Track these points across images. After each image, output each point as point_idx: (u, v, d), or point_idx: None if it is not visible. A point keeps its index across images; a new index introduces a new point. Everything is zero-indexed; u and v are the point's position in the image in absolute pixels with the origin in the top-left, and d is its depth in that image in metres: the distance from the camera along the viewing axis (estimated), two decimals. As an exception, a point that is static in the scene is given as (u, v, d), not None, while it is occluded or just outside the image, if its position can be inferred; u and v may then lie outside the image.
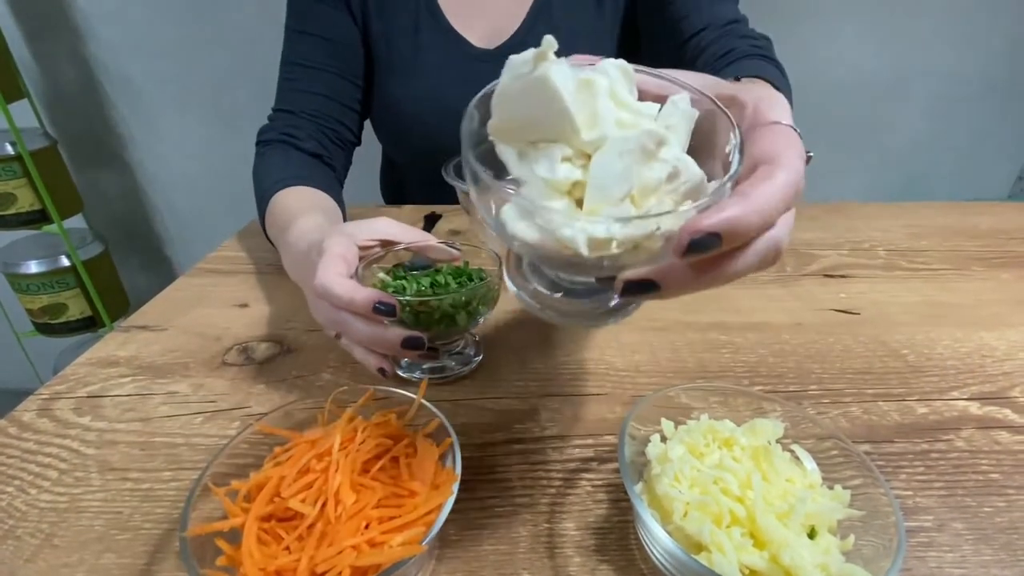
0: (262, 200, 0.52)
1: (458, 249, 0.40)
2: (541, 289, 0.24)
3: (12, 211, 1.12)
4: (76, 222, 1.25)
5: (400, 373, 0.38)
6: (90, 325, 1.30)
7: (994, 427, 0.34)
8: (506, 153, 0.21)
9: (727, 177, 0.19)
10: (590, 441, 0.33)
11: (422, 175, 0.72)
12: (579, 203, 0.20)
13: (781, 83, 0.46)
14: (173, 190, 1.37)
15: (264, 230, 0.53)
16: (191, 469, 0.31)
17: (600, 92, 0.20)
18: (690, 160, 0.21)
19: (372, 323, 0.31)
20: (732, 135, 0.21)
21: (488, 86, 0.22)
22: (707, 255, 0.18)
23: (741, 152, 0.20)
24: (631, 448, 0.26)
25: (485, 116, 0.22)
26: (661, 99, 0.22)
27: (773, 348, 0.41)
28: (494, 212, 0.20)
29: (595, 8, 0.62)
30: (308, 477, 0.22)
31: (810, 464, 0.26)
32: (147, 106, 1.26)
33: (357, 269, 0.34)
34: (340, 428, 0.24)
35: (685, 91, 0.22)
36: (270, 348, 0.42)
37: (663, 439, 0.27)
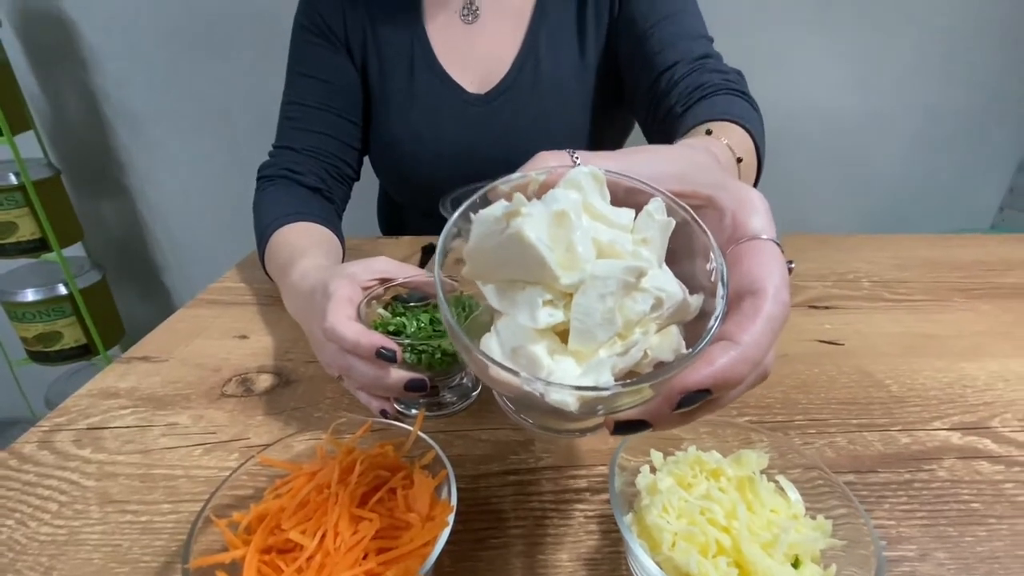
0: (262, 236, 0.54)
1: (456, 281, 0.41)
2: (513, 409, 0.25)
3: (12, 240, 1.13)
4: (75, 250, 1.26)
5: (399, 408, 0.39)
6: (84, 353, 1.30)
7: (975, 457, 0.35)
8: (486, 289, 0.21)
9: (712, 322, 0.19)
10: (583, 472, 0.33)
11: (419, 207, 0.74)
12: (562, 336, 0.20)
13: (752, 119, 0.48)
14: (172, 219, 1.39)
15: (263, 264, 0.54)
16: (190, 501, 0.31)
17: (574, 224, 0.19)
18: (670, 280, 0.21)
19: (376, 367, 0.33)
20: (712, 255, 0.21)
21: (452, 218, 0.21)
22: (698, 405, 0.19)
23: (725, 284, 0.20)
24: (621, 479, 0.27)
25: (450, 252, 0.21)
26: (634, 196, 0.22)
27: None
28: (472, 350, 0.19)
29: (578, 50, 0.64)
30: (307, 509, 0.23)
31: (794, 495, 0.27)
32: (149, 136, 1.29)
33: (359, 308, 0.36)
34: (339, 461, 0.25)
35: (659, 197, 0.22)
36: (269, 380, 0.43)
37: (652, 470, 0.28)
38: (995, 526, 0.30)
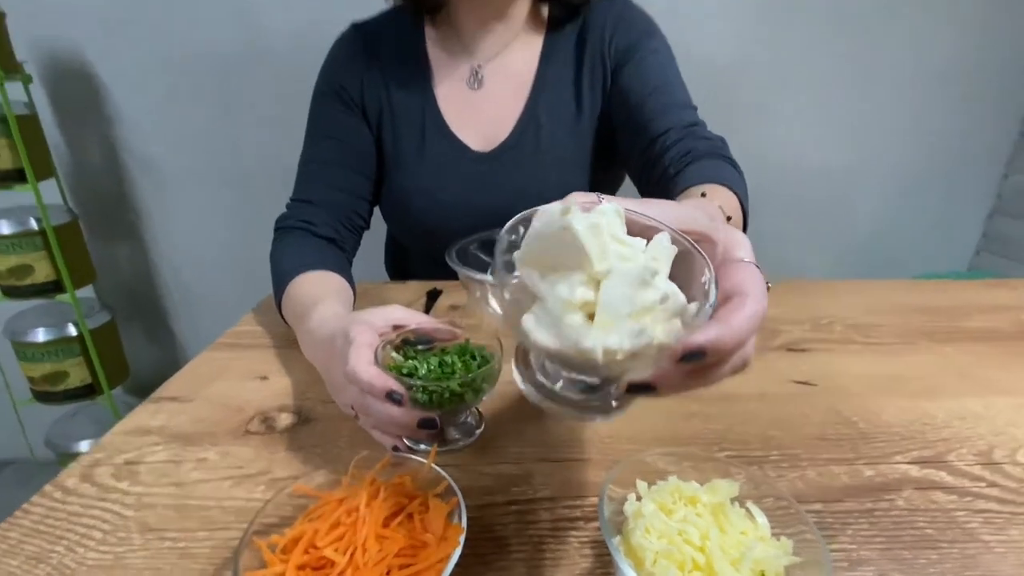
0: (280, 284, 0.59)
1: (460, 328, 0.46)
2: (544, 382, 0.29)
3: (28, 282, 1.18)
4: (85, 290, 1.30)
5: (409, 444, 0.42)
6: (89, 393, 1.32)
7: (931, 488, 0.38)
8: (530, 275, 0.26)
9: (707, 304, 0.25)
10: (577, 502, 0.37)
11: (425, 254, 0.79)
12: (589, 317, 0.25)
13: (737, 182, 0.54)
14: (182, 264, 1.44)
15: (280, 311, 0.59)
16: (223, 529, 0.34)
17: (605, 232, 0.25)
18: (675, 287, 0.26)
19: (391, 407, 0.36)
20: (707, 271, 0.26)
21: (512, 220, 0.28)
22: (694, 365, 0.23)
23: (716, 285, 0.26)
24: (611, 507, 0.31)
25: (511, 243, 0.28)
26: (646, 232, 0.28)
27: (739, 417, 0.46)
28: (516, 319, 0.26)
29: (575, 115, 0.71)
30: (339, 530, 0.27)
31: (761, 519, 0.30)
32: (165, 184, 1.36)
33: (376, 352, 0.40)
34: (365, 488, 0.29)
35: (665, 231, 0.27)
36: (289, 418, 0.46)
37: (638, 498, 0.32)
38: (946, 550, 0.33)
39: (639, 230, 0.28)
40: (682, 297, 0.26)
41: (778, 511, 0.31)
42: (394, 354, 0.43)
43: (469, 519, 0.29)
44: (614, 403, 0.28)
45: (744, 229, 0.52)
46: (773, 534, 0.30)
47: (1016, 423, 0.46)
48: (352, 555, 0.25)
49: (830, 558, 0.27)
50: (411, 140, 0.70)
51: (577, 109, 0.71)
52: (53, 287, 1.20)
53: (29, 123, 1.13)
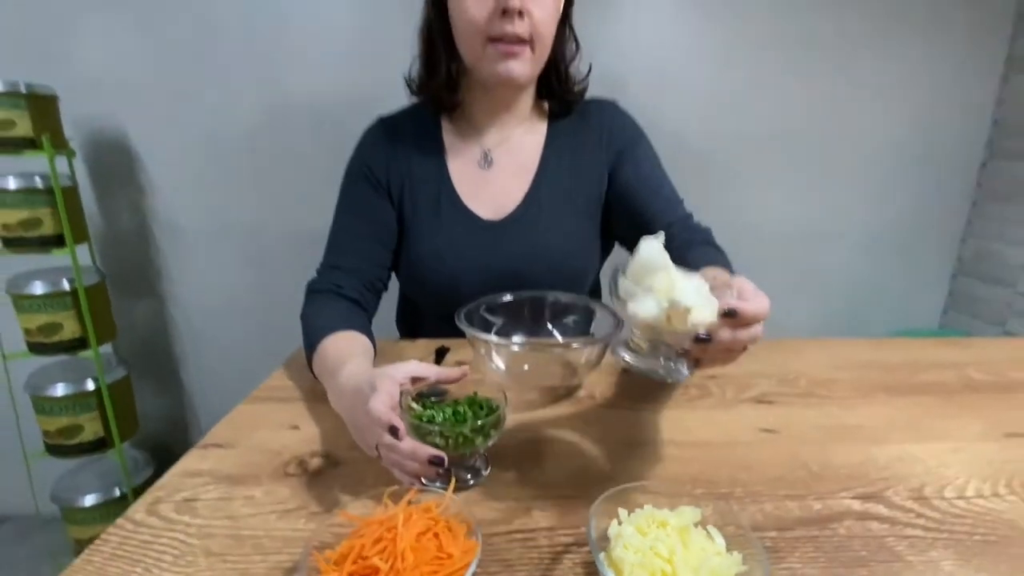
0: (311, 342, 0.67)
1: (467, 365, 0.54)
2: (639, 354, 0.46)
3: (56, 339, 1.25)
4: (103, 346, 1.37)
5: (426, 484, 0.49)
6: (100, 447, 1.36)
7: (868, 519, 0.46)
8: (628, 287, 0.43)
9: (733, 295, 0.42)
10: (571, 531, 0.44)
11: (435, 312, 0.88)
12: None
13: (728, 265, 0.71)
14: (198, 322, 1.52)
15: (310, 366, 0.67)
16: (275, 553, 0.41)
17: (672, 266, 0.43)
18: (713, 298, 0.41)
19: (403, 443, 0.44)
20: (730, 292, 0.42)
21: (622, 266, 0.45)
22: (729, 322, 0.39)
23: (735, 289, 0.43)
24: (598, 530, 0.38)
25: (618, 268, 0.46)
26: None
27: (711, 461, 0.54)
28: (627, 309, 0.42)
29: (573, 194, 0.83)
30: (381, 544, 0.33)
31: (719, 540, 0.38)
32: (188, 247, 1.46)
33: (401, 401, 0.48)
34: (401, 510, 0.36)
35: (701, 275, 0.43)
36: (320, 462, 0.53)
37: (619, 522, 0.39)
38: (876, 568, 0.40)
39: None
40: (715, 300, 0.41)
41: (735, 535, 0.38)
42: (414, 404, 0.51)
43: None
44: (682, 368, 0.44)
45: None
46: (728, 551, 0.37)
47: (947, 464, 0.53)
48: (393, 563, 0.32)
49: (769, 569, 0.34)
50: (428, 211, 0.81)
51: (575, 190, 0.83)
52: (79, 344, 1.27)
53: (70, 193, 1.24)
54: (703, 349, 0.41)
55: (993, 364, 0.78)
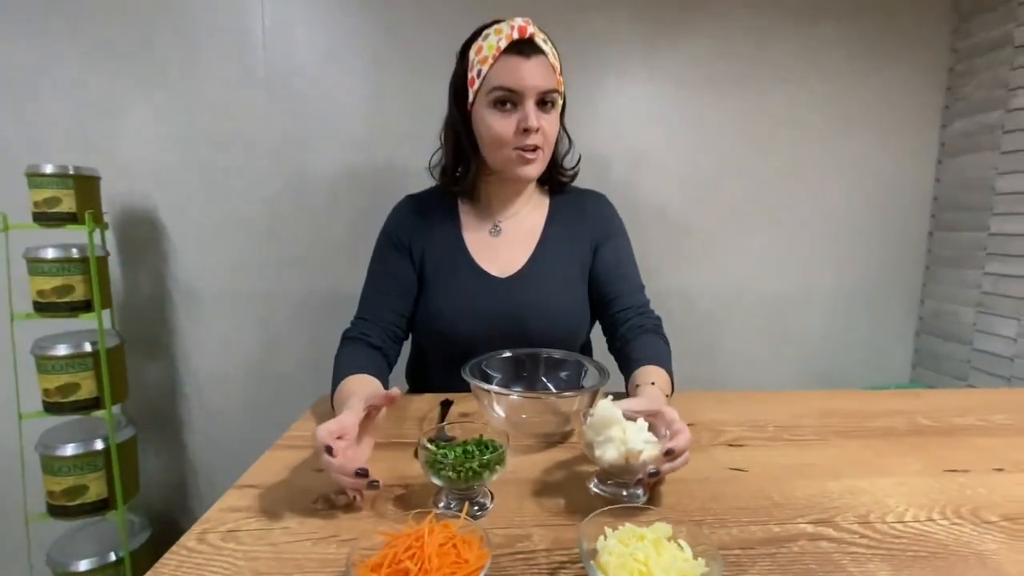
0: (336, 381, 0.80)
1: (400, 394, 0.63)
2: (608, 487, 0.61)
3: (72, 399, 1.31)
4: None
5: (442, 511, 0.56)
6: (102, 508, 1.38)
7: (819, 539, 0.53)
8: (591, 433, 0.59)
9: (666, 437, 0.58)
10: (566, 551, 0.51)
11: (445, 364, 0.97)
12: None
13: (668, 359, 0.88)
14: (207, 384, 1.58)
15: (332, 399, 0.80)
16: (313, 572, 0.48)
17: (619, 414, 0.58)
18: (653, 436, 0.58)
19: (337, 460, 0.56)
20: (663, 429, 0.59)
21: (588, 411, 0.61)
22: (669, 458, 0.55)
23: (668, 435, 0.59)
24: (588, 545, 0.46)
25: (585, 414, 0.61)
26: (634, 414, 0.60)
27: (686, 494, 0.62)
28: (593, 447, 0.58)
29: (569, 260, 0.98)
30: (411, 550, 0.41)
31: (688, 550, 0.45)
32: (203, 312, 1.55)
33: (419, 446, 0.57)
34: (427, 524, 0.44)
35: (641, 416, 0.60)
36: (344, 499, 0.60)
37: (605, 537, 0.47)
38: (823, 578, 0.48)
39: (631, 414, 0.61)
40: (655, 439, 0.58)
41: (705, 551, 0.46)
42: (429, 445, 0.59)
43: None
44: (638, 492, 0.60)
45: (672, 391, 0.86)
46: (694, 559, 0.45)
47: (892, 495, 0.62)
48: (422, 565, 0.40)
49: (722, 571, 0.42)
50: (445, 271, 0.95)
51: (570, 257, 0.98)
52: (93, 404, 1.33)
53: (102, 262, 1.34)
54: (652, 478, 0.57)
55: (940, 412, 0.88)
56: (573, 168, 1.02)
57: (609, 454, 0.56)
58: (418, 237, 0.96)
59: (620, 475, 0.59)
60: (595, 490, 0.61)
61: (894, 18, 1.59)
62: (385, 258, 0.96)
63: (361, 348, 0.88)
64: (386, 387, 0.80)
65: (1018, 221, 1.42)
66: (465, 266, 0.95)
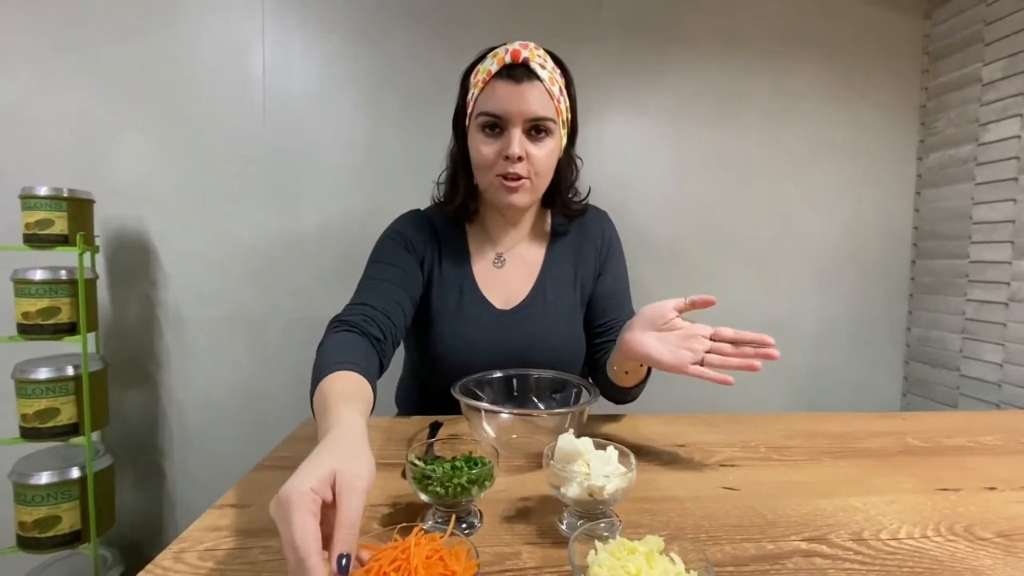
0: (318, 375, 0.66)
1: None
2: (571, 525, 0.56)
3: (51, 424, 1.27)
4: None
5: (431, 528, 0.55)
6: (74, 540, 1.32)
7: (813, 556, 0.52)
8: (558, 471, 0.55)
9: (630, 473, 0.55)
10: (555, 568, 0.50)
11: (438, 386, 0.96)
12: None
13: None
14: (191, 412, 1.55)
15: (311, 396, 0.66)
16: (293, 589, 0.46)
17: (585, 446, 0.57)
18: (620, 466, 0.56)
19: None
20: (631, 460, 0.58)
21: (551, 445, 0.59)
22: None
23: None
24: (579, 558, 0.45)
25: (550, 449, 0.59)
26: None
27: (679, 512, 0.61)
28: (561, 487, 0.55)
29: (570, 291, 0.99)
30: (397, 563, 0.40)
31: (679, 563, 0.44)
32: (190, 338, 1.53)
33: (407, 464, 0.55)
34: (413, 536, 0.42)
35: (611, 447, 0.59)
36: (329, 518, 0.58)
37: (596, 551, 0.46)
38: (817, 594, 0.47)
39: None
40: (621, 468, 0.56)
41: (697, 564, 0.45)
42: (417, 461, 0.58)
43: None
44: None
45: (644, 382, 0.86)
46: (686, 571, 0.44)
47: (884, 513, 0.61)
48: (407, 576, 0.39)
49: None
50: (452, 300, 0.95)
51: (572, 286, 0.99)
52: (71, 430, 1.29)
53: (89, 286, 1.33)
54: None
55: (929, 433, 0.88)
56: (580, 201, 0.99)
57: (572, 491, 0.54)
58: (429, 253, 0.95)
59: (587, 511, 0.56)
60: (565, 529, 0.56)
61: (868, 59, 1.67)
62: (392, 251, 0.92)
63: (355, 338, 0.75)
64: (374, 393, 0.70)
65: (995, 249, 1.45)
66: (471, 297, 0.94)
